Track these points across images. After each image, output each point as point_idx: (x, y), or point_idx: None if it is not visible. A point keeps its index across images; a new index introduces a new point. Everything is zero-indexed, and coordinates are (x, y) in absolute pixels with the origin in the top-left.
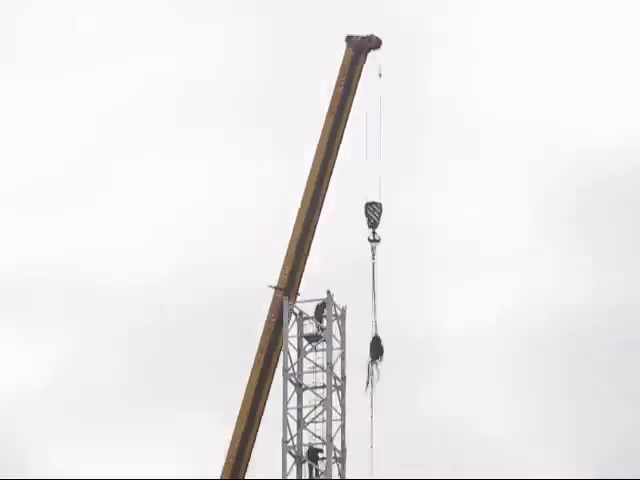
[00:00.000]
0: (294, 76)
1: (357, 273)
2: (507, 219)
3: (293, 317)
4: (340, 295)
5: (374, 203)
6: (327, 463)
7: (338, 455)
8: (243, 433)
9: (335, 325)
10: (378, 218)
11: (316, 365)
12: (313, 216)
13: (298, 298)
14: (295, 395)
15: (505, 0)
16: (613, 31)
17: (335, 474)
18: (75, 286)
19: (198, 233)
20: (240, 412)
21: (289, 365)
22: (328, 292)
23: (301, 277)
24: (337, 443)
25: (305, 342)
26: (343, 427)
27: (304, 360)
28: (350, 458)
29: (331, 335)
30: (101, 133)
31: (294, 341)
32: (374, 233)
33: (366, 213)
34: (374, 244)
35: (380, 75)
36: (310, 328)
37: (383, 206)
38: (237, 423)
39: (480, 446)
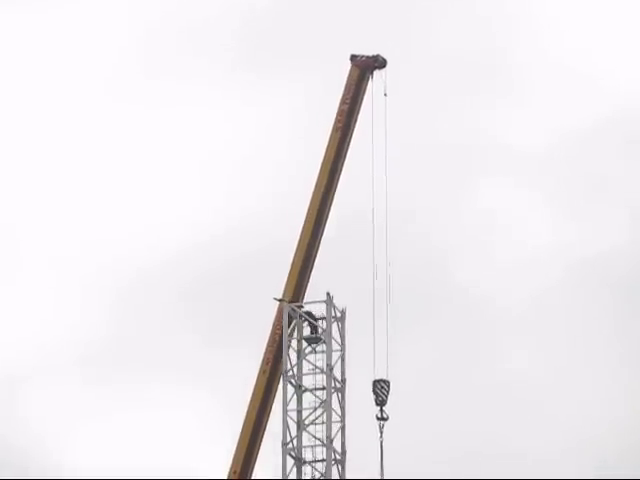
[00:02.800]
0: None
1: (357, 274)
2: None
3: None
4: (340, 297)
5: (382, 380)
6: (327, 465)
7: (338, 457)
8: (248, 443)
9: (335, 327)
10: (386, 396)
11: (316, 367)
12: (318, 230)
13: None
14: (295, 397)
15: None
16: None
17: (335, 476)
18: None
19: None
20: (245, 422)
21: (289, 367)
22: (328, 294)
23: (305, 289)
24: (337, 445)
25: (305, 344)
26: (343, 429)
27: (304, 362)
28: (350, 460)
29: (331, 337)
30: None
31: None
32: (382, 411)
33: (374, 391)
34: (382, 422)
35: (385, 94)
36: (310, 330)
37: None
38: (242, 434)
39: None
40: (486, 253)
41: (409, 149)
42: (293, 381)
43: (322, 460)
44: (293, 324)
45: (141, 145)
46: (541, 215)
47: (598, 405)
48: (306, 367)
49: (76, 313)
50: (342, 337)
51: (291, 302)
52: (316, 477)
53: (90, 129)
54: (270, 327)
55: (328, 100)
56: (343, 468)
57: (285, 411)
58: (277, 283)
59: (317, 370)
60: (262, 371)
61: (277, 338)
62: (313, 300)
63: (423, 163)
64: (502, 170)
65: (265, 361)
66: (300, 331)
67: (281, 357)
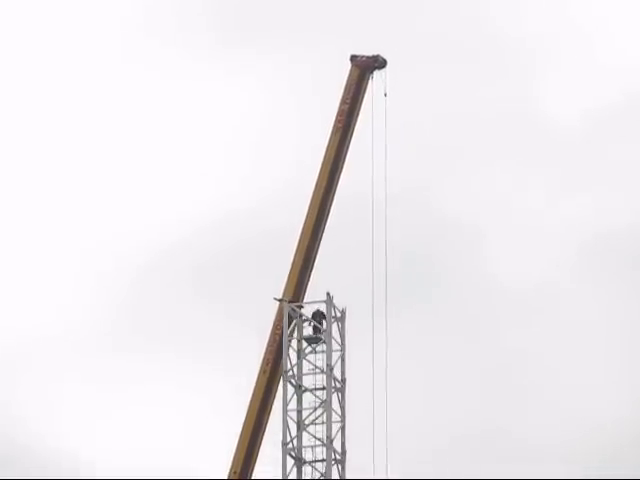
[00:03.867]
0: None
1: (357, 274)
2: None
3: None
4: (340, 297)
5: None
6: (327, 465)
7: (338, 457)
8: (249, 443)
9: (335, 327)
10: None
11: (316, 367)
12: (319, 230)
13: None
14: (295, 397)
15: None
16: None
17: (335, 476)
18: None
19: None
20: (245, 423)
21: (289, 367)
22: (328, 294)
23: (306, 289)
24: (337, 445)
25: (305, 344)
26: (343, 429)
27: (304, 362)
28: (350, 460)
29: (331, 337)
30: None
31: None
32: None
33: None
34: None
35: (386, 94)
36: (310, 330)
37: None
38: (242, 434)
39: None
40: (493, 241)
41: (410, 149)
42: (293, 381)
43: (322, 460)
44: (293, 324)
45: (145, 131)
46: (547, 197)
47: (601, 388)
48: (306, 367)
49: (80, 304)
50: (342, 337)
51: (291, 302)
52: (316, 477)
53: (97, 107)
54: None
55: (329, 99)
56: (343, 468)
57: (285, 411)
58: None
59: (317, 370)
60: (262, 371)
61: (277, 338)
62: (313, 300)
63: (424, 163)
64: (505, 163)
65: (265, 361)
66: (300, 331)
67: (281, 357)
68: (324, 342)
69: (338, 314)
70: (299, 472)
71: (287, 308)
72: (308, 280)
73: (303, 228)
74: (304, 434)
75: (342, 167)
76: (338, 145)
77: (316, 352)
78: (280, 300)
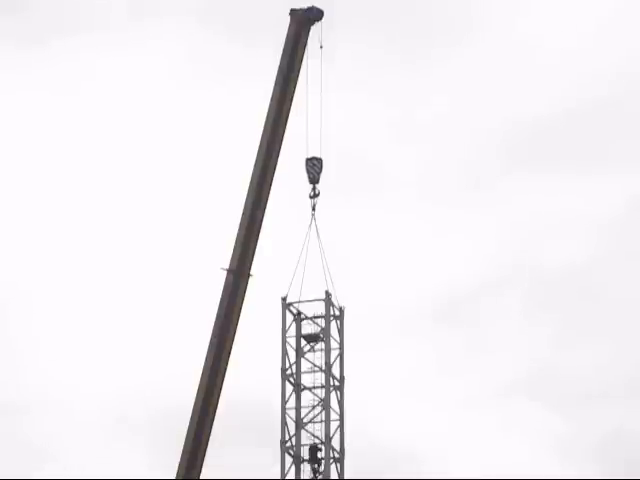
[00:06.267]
0: None
1: (357, 273)
2: None
3: (291, 317)
4: (339, 296)
5: (315, 158)
6: (325, 463)
7: (337, 455)
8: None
9: (334, 325)
10: (318, 173)
11: (314, 365)
12: (262, 194)
13: (297, 299)
14: (294, 395)
15: None
16: None
17: (334, 474)
18: None
19: None
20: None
21: (287, 365)
22: (326, 292)
23: (252, 258)
24: (336, 443)
25: (304, 342)
26: (342, 427)
27: (302, 360)
28: (348, 458)
29: (329, 335)
30: None
31: (292, 341)
32: (314, 188)
33: (306, 169)
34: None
35: (321, 46)
36: (309, 328)
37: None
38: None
39: None
40: None
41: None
42: (292, 379)
43: (321, 458)
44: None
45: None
46: None
47: None
48: (305, 365)
49: None
50: (341, 335)
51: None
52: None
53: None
54: None
55: None
56: (342, 467)
57: (284, 409)
58: None
59: (316, 368)
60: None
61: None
62: (312, 299)
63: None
64: None
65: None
66: (299, 329)
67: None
68: (323, 340)
69: (337, 312)
70: (297, 471)
71: (285, 306)
72: (254, 252)
73: (246, 197)
74: (302, 432)
75: (284, 129)
76: (278, 101)
77: (315, 350)
78: (228, 270)
